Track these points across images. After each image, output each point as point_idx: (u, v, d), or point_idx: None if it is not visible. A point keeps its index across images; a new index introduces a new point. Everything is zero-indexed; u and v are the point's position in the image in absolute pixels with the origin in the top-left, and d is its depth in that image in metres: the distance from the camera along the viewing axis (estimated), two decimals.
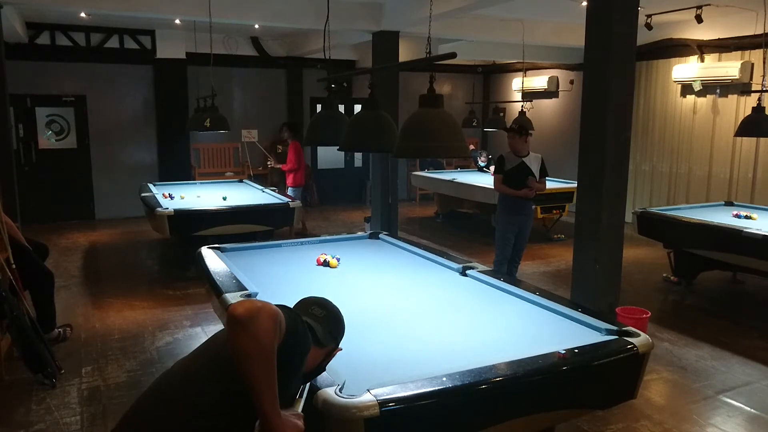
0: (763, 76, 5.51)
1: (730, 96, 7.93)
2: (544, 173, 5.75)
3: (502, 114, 11.92)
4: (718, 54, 8.01)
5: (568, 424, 3.26)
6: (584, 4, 4.62)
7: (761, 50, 6.06)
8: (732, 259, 5.46)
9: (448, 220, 9.73)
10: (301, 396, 1.81)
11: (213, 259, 3.81)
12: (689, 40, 8.16)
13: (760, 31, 6.51)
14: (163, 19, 7.86)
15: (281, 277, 3.60)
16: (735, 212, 6.16)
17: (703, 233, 5.53)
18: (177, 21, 8.13)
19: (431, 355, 2.48)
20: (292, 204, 6.63)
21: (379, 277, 3.68)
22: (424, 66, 2.93)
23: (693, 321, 5.25)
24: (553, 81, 10.78)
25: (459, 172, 10.25)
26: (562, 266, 6.92)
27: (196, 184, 8.48)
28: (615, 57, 3.93)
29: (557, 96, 10.92)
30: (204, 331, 4.85)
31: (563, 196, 8.15)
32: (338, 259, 3.88)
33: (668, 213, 6.13)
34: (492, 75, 12.61)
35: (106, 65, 9.43)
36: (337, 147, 3.22)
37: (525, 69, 10.24)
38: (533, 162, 5.65)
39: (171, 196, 7.02)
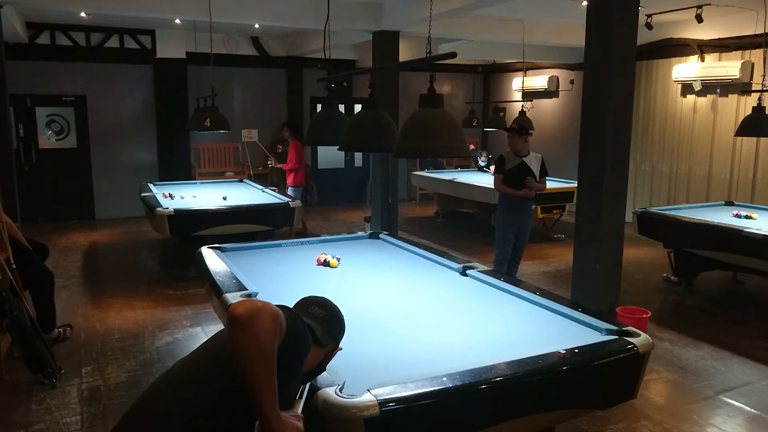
0: (764, 75, 5.51)
1: (730, 96, 7.93)
2: (544, 173, 5.75)
3: (502, 114, 11.92)
4: (718, 54, 8.01)
5: (568, 424, 3.26)
6: (584, 4, 4.62)
7: (761, 50, 6.06)
8: (732, 259, 5.46)
9: (448, 220, 9.73)
10: (301, 396, 1.81)
11: (213, 259, 3.81)
12: (689, 39, 8.16)
13: (760, 31, 6.51)
14: (163, 18, 7.86)
15: (281, 277, 3.60)
16: (735, 212, 6.16)
17: (703, 233, 5.53)
18: (177, 21, 8.13)
19: (431, 355, 2.48)
20: (292, 204, 6.63)
21: (379, 277, 3.68)
22: (424, 66, 2.93)
23: (693, 321, 5.25)
24: (553, 81, 10.78)
25: (459, 172, 10.25)
26: (562, 266, 6.92)
27: (196, 183, 8.48)
28: (615, 57, 3.93)
29: (557, 96, 10.92)
30: (204, 331, 4.85)
31: (563, 196, 8.15)
32: (338, 259, 3.88)
33: (668, 213, 6.13)
34: (492, 75, 12.61)
35: (106, 65, 9.43)
36: (337, 147, 3.22)
37: (525, 69, 10.24)
38: (533, 162, 5.65)
39: (171, 196, 7.02)
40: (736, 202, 6.95)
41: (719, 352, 4.51)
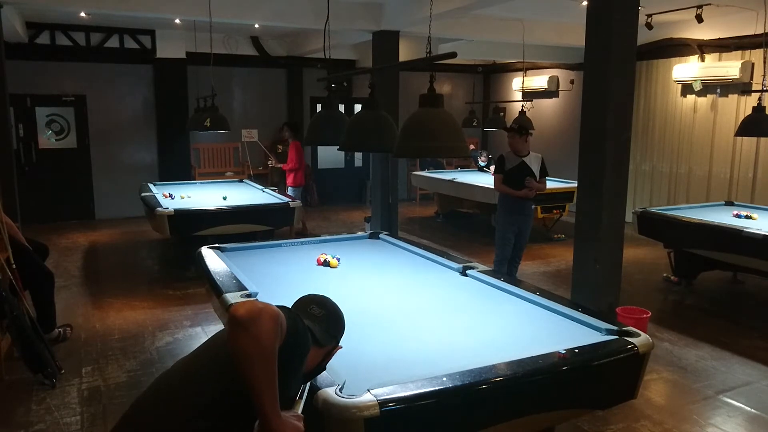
0: (764, 75, 5.51)
1: (730, 96, 7.93)
2: (544, 173, 5.75)
3: (502, 114, 11.92)
4: (718, 54, 8.01)
5: (568, 424, 3.26)
6: (584, 3, 4.62)
7: (761, 50, 6.06)
8: (732, 259, 5.46)
9: (448, 220, 9.73)
10: (301, 397, 1.81)
11: (213, 259, 3.81)
12: (689, 39, 8.16)
13: (760, 31, 6.51)
14: (163, 18, 7.86)
15: (281, 277, 3.60)
16: (735, 212, 6.16)
17: (703, 233, 5.53)
18: (177, 21, 8.13)
19: (431, 355, 2.48)
20: (292, 204, 6.63)
21: (380, 277, 3.68)
22: (424, 66, 2.93)
23: (693, 321, 5.25)
24: (554, 81, 10.78)
25: (459, 172, 10.25)
26: (562, 266, 6.92)
27: (196, 184, 8.48)
28: (615, 57, 3.92)
29: (557, 96, 10.92)
30: (204, 331, 4.85)
31: (563, 196, 8.15)
32: (338, 259, 3.88)
33: (668, 213, 6.13)
34: (492, 75, 12.61)
35: (106, 65, 9.43)
36: (337, 147, 3.22)
37: (525, 69, 10.24)
38: (533, 162, 5.65)
39: (171, 196, 7.02)
40: (736, 202, 6.95)
41: (719, 352, 4.51)
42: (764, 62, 5.60)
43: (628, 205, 6.62)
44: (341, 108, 10.55)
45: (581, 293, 4.18)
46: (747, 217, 5.93)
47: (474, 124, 10.62)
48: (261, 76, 10.67)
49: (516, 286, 3.38)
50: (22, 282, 4.22)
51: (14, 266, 4.12)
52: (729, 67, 7.63)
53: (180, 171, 9.65)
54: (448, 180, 9.08)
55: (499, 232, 5.68)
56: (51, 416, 3.50)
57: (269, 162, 9.10)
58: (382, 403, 1.95)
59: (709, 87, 8.05)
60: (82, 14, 7.55)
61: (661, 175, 8.99)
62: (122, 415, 1.66)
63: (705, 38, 8.02)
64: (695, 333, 4.89)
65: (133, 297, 5.73)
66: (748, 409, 3.67)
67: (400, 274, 3.75)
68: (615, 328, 2.69)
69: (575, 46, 8.06)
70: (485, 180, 8.32)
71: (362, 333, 2.64)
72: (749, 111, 5.54)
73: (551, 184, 7.18)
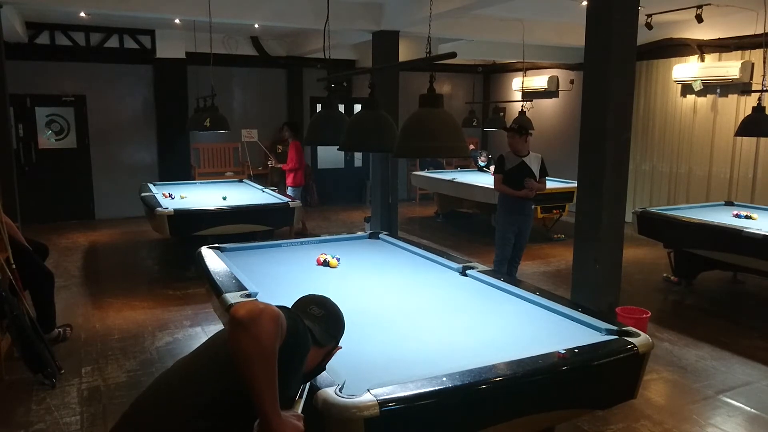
0: (764, 75, 5.51)
1: (730, 96, 7.93)
2: (544, 173, 5.75)
3: (502, 114, 11.92)
4: (718, 54, 8.01)
5: (568, 424, 3.26)
6: (584, 4, 4.62)
7: (761, 50, 6.06)
8: (732, 259, 5.46)
9: (448, 220, 9.73)
10: (301, 396, 1.81)
11: (213, 259, 3.81)
12: (689, 39, 8.16)
13: (760, 31, 6.51)
14: (163, 18, 7.86)
15: (281, 277, 3.60)
16: (735, 212, 6.16)
17: (703, 233, 5.53)
18: (177, 21, 8.13)
19: (431, 355, 2.48)
20: (292, 204, 6.63)
21: (379, 277, 3.68)
22: (424, 66, 2.92)
23: (693, 321, 5.25)
24: (553, 81, 10.78)
25: (459, 172, 10.25)
26: (562, 266, 6.92)
27: (196, 184, 8.48)
28: (615, 57, 3.93)
29: (557, 96, 10.92)
30: (204, 331, 4.85)
31: (563, 196, 8.15)
32: (338, 259, 3.88)
33: (668, 213, 6.13)
34: (492, 75, 12.61)
35: (106, 65, 9.43)
36: (337, 147, 3.22)
37: (525, 69, 10.24)
38: (533, 162, 5.65)
39: (171, 196, 7.02)
40: (736, 202, 6.95)
41: (719, 352, 4.51)
42: (764, 62, 5.60)
43: (628, 205, 6.63)
44: (341, 108, 10.56)
45: (581, 293, 4.18)
46: (747, 217, 5.93)
47: (474, 124, 10.62)
48: (261, 76, 10.67)
49: (516, 286, 3.38)
50: (22, 282, 4.22)
51: (14, 266, 4.12)
52: (729, 67, 7.63)
53: (180, 171, 9.65)
54: (448, 180, 9.08)
55: (499, 232, 5.68)
56: (51, 416, 3.50)
57: (269, 162, 9.10)
58: (382, 403, 1.95)
59: (709, 87, 8.05)
60: (82, 14, 7.55)
61: (661, 175, 8.99)
62: (122, 415, 1.67)
63: (705, 38, 8.02)
64: (695, 333, 4.89)
65: (133, 297, 5.73)
66: (748, 409, 3.67)
67: (400, 274, 3.75)
68: (615, 328, 2.69)
69: (575, 46, 8.06)
70: (485, 180, 8.32)
71: (362, 333, 2.64)
72: (749, 111, 5.54)
73: (551, 184, 7.18)
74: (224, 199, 6.81)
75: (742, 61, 7.57)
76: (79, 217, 9.55)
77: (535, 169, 5.63)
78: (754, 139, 7.46)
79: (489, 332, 2.78)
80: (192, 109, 8.17)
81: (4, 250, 4.11)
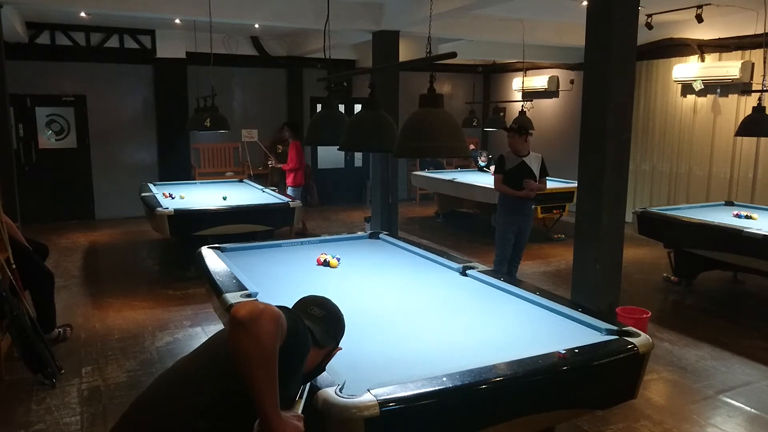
0: (764, 75, 5.51)
1: (730, 96, 7.93)
2: (544, 173, 5.75)
3: (502, 114, 11.92)
4: (718, 54, 8.01)
5: (568, 424, 3.26)
6: (584, 4, 4.62)
7: (761, 50, 6.06)
8: (732, 259, 5.46)
9: (448, 220, 9.73)
10: (301, 397, 1.81)
11: (213, 259, 3.81)
12: (689, 39, 8.16)
13: (760, 31, 6.51)
14: (163, 18, 7.86)
15: (281, 277, 3.60)
16: (735, 212, 6.16)
17: (703, 233, 5.53)
18: (177, 21, 8.13)
19: (431, 355, 2.48)
20: (292, 204, 6.63)
21: (380, 277, 3.68)
22: (424, 66, 2.93)
23: (693, 321, 5.25)
24: (554, 81, 10.78)
25: (459, 172, 10.25)
26: (562, 266, 6.92)
27: (196, 183, 8.48)
28: (615, 57, 3.93)
29: (557, 96, 10.92)
30: (204, 331, 4.85)
31: (563, 196, 8.15)
32: (338, 259, 3.88)
33: (668, 213, 6.13)
34: (492, 75, 12.61)
35: (106, 65, 9.43)
36: (337, 147, 3.22)
37: (525, 69, 10.24)
38: (533, 162, 5.65)
39: (171, 196, 7.02)
40: (736, 202, 6.95)
41: (719, 352, 4.51)
42: (764, 62, 5.60)
43: (628, 205, 6.62)
44: (341, 108, 10.55)
45: (581, 293, 4.18)
46: (747, 217, 5.93)
47: (474, 124, 10.62)
48: (261, 76, 10.67)
49: (516, 286, 3.38)
50: (22, 282, 4.22)
51: (14, 266, 4.12)
52: (729, 67, 7.63)
53: (180, 171, 9.65)
54: (448, 180, 9.08)
55: (499, 232, 5.68)
56: (51, 416, 3.51)
57: (269, 162, 9.09)
58: (382, 403, 1.95)
59: (709, 87, 8.05)
60: (82, 14, 7.55)
61: (661, 175, 8.99)
62: (122, 415, 1.67)
63: (705, 38, 8.02)
64: (695, 333, 4.89)
65: (133, 297, 5.73)
66: (748, 409, 3.67)
67: (400, 274, 3.75)
68: (615, 328, 2.69)
69: (575, 46, 8.06)
70: (485, 180, 8.32)
71: (362, 333, 2.64)
72: (749, 111, 5.54)
73: (551, 184, 7.18)
74: (224, 199, 6.81)
75: (742, 61, 7.57)
76: (79, 217, 9.55)
77: (536, 169, 5.63)
78: (754, 139, 7.46)
79: (489, 332, 2.78)
80: (192, 109, 8.17)
81: (4, 250, 4.11)
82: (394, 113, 6.77)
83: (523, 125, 6.07)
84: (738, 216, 6.00)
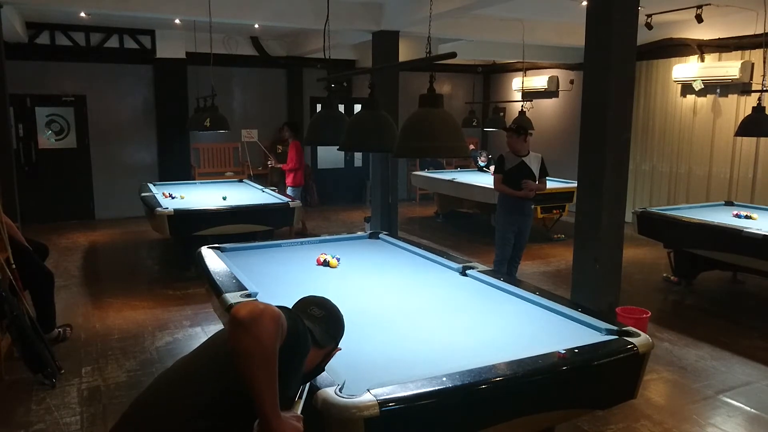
0: (764, 75, 5.51)
1: (730, 96, 7.93)
2: (544, 173, 5.74)
3: (502, 114, 11.92)
4: (718, 54, 8.01)
5: (568, 424, 3.26)
6: (584, 4, 4.62)
7: (761, 50, 6.06)
8: (732, 259, 5.46)
9: (448, 220, 9.73)
10: (300, 397, 1.81)
11: (213, 259, 3.81)
12: (689, 39, 8.16)
13: (760, 31, 6.51)
14: (163, 18, 7.86)
15: (281, 277, 3.60)
16: (735, 212, 6.16)
17: (703, 233, 5.53)
18: (177, 21, 8.13)
19: (431, 355, 2.48)
20: (292, 204, 6.63)
21: (379, 277, 3.68)
22: (424, 66, 2.93)
23: (693, 321, 5.25)
24: (553, 81, 10.78)
25: (459, 172, 10.25)
26: (562, 266, 6.92)
27: (196, 183, 8.48)
28: (615, 57, 3.93)
29: (557, 96, 10.92)
30: (204, 331, 4.85)
31: (563, 196, 8.15)
32: (338, 259, 3.88)
33: (668, 213, 6.13)
34: (492, 75, 12.61)
35: (106, 65, 9.43)
36: (337, 147, 3.22)
37: (525, 69, 10.24)
38: (533, 162, 5.65)
39: (171, 196, 7.02)
40: (736, 202, 6.95)
41: (719, 352, 4.51)
42: (764, 62, 5.60)
43: (628, 205, 6.63)
44: (341, 108, 10.56)
45: (581, 293, 4.18)
46: (747, 217, 5.93)
47: (474, 124, 10.62)
48: (261, 76, 10.67)
49: (516, 286, 3.38)
50: (22, 282, 4.22)
51: (14, 266, 4.12)
52: (729, 67, 7.63)
53: (180, 171, 9.66)
54: (448, 180, 9.08)
55: (499, 232, 5.68)
56: (51, 416, 3.51)
57: (269, 162, 9.09)
58: (382, 403, 1.95)
59: (709, 87, 8.05)
60: (82, 14, 7.55)
61: (661, 175, 8.99)
62: (122, 415, 1.67)
63: (705, 38, 8.02)
64: (695, 333, 4.89)
65: (133, 297, 5.73)
66: (748, 409, 3.67)
67: (400, 274, 3.75)
68: (615, 328, 2.69)
69: (575, 46, 8.06)
70: (485, 180, 8.32)
71: (362, 333, 2.64)
72: (749, 111, 5.54)
73: (551, 184, 7.18)
74: (224, 199, 6.81)
75: (742, 61, 7.57)
76: (79, 217, 9.55)
77: (535, 169, 5.63)
78: (754, 139, 7.46)
79: (489, 332, 2.78)
80: (192, 109, 8.18)
81: (4, 250, 4.11)
82: (394, 113, 6.77)
83: (522, 125, 6.07)
84: (738, 216, 6.00)
